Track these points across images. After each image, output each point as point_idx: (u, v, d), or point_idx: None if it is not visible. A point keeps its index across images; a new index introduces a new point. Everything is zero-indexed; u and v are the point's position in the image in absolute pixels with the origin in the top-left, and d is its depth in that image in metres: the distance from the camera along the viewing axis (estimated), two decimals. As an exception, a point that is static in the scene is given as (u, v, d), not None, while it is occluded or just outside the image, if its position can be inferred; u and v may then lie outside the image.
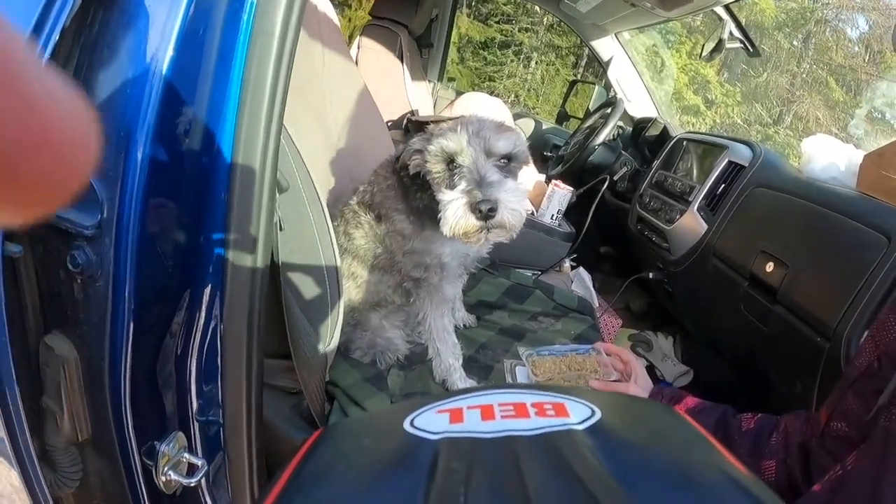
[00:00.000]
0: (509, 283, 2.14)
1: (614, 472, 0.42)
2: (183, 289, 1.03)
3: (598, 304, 2.66)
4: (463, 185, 1.21)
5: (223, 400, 1.09)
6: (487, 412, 0.52)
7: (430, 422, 0.52)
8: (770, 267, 1.73)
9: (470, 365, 1.65)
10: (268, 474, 1.20)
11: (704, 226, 2.18)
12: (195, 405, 1.11)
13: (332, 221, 1.56)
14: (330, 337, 1.40)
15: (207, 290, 1.04)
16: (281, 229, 1.19)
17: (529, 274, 2.35)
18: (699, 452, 0.50)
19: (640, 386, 1.52)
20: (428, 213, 1.34)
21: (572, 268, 2.69)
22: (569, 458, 0.44)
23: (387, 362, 1.59)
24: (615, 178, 2.90)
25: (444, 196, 1.22)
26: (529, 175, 2.70)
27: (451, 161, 1.24)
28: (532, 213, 2.53)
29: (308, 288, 1.34)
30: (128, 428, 1.01)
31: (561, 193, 2.55)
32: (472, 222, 1.20)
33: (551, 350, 1.67)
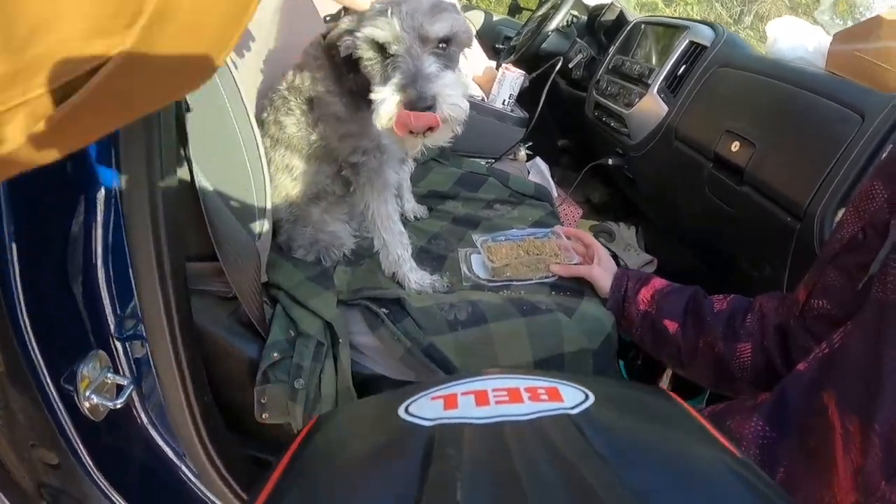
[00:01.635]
0: (461, 172, 2.03)
1: (608, 456, 0.42)
2: (74, 195, 0.93)
3: (556, 195, 2.59)
4: (397, 78, 1.08)
5: (141, 311, 1.00)
6: (481, 398, 0.52)
7: (425, 408, 0.52)
8: (736, 146, 1.68)
9: (421, 256, 1.56)
10: (213, 387, 1.17)
11: (665, 108, 2.12)
12: (112, 321, 1.03)
13: (262, 114, 1.47)
14: (259, 230, 1.30)
15: (101, 194, 0.94)
16: (188, 110, 1.06)
17: (483, 162, 2.25)
18: (693, 436, 0.50)
19: (604, 268, 1.45)
20: (363, 95, 1.21)
21: (528, 157, 2.60)
22: (562, 442, 0.44)
23: (332, 259, 1.49)
24: (570, 65, 2.80)
25: (376, 93, 1.10)
26: (479, 61, 2.56)
27: (383, 49, 1.11)
28: (483, 100, 2.42)
29: (229, 181, 1.23)
30: (35, 354, 0.93)
31: (512, 77, 2.44)
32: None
33: (508, 235, 1.58)
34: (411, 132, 1.08)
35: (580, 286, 1.47)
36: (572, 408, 0.49)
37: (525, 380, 0.55)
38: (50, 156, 0.37)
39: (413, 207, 1.79)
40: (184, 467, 1.19)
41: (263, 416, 1.25)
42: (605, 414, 0.49)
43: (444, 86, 1.07)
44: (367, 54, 1.12)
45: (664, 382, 1.95)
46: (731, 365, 1.16)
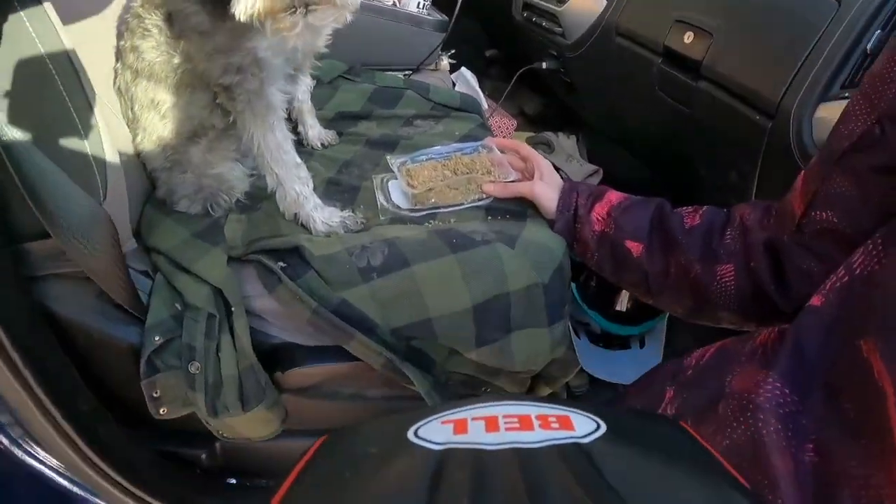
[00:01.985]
0: (374, 87, 1.79)
1: (618, 487, 0.41)
2: None
3: (486, 106, 2.40)
4: None
5: None
6: (492, 423, 0.51)
7: (434, 432, 0.51)
8: (689, 37, 1.49)
9: (330, 189, 1.34)
10: (103, 395, 1.08)
11: (603, 1, 1.92)
12: None
13: (120, 42, 1.22)
14: (103, 187, 1.04)
15: None
16: None
17: (400, 76, 2.01)
18: (706, 471, 0.48)
19: (548, 183, 1.24)
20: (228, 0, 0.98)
21: (452, 67, 2.39)
22: (572, 471, 0.43)
23: (222, 207, 1.26)
24: (493, -39, 2.56)
25: None
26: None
27: None
28: (394, 4, 2.16)
29: (49, 135, 0.98)
30: None
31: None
32: None
33: (430, 154, 1.35)
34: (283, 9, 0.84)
35: (521, 207, 1.26)
36: (583, 437, 0.48)
37: (537, 407, 0.54)
38: None
39: (318, 133, 1.56)
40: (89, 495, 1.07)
41: (161, 411, 1.09)
42: (617, 444, 0.48)
43: None
44: None
45: (622, 305, 1.81)
46: (711, 291, 1.00)
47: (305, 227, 1.20)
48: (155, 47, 1.15)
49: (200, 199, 1.25)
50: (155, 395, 1.06)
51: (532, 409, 0.53)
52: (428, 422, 0.53)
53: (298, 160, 1.22)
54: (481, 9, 2.71)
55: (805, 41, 1.20)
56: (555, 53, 2.27)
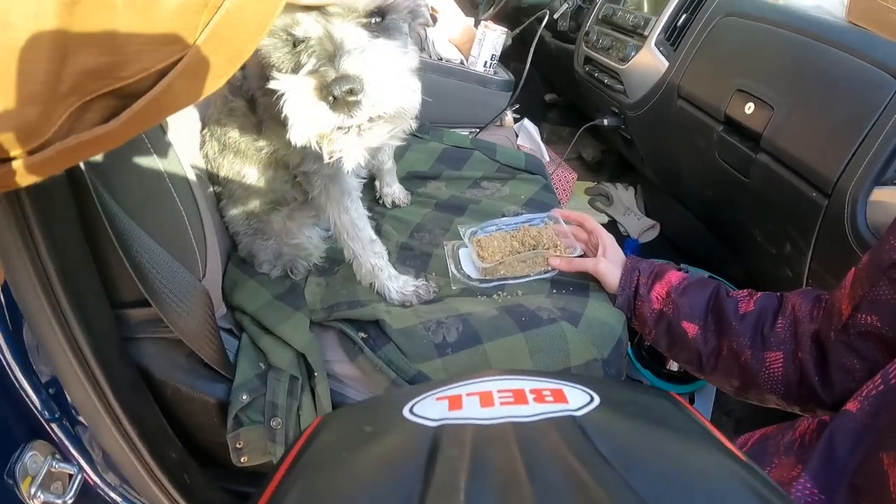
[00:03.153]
0: (443, 147, 1.83)
1: (611, 459, 0.42)
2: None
3: (547, 158, 2.43)
4: (311, 63, 0.82)
5: (63, 384, 0.90)
6: (486, 399, 0.52)
7: (430, 408, 0.52)
8: (750, 108, 1.49)
9: (404, 255, 1.40)
10: (186, 436, 1.13)
11: (665, 62, 1.93)
12: (37, 402, 0.89)
13: (208, 109, 1.28)
14: (202, 265, 1.11)
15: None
16: None
17: (466, 133, 2.05)
18: (698, 440, 0.48)
19: (611, 260, 1.29)
20: None
21: (515, 120, 2.42)
22: (566, 444, 0.44)
23: (300, 272, 1.33)
24: (555, 16, 2.60)
25: (279, 84, 0.83)
26: (455, 19, 2.35)
27: (294, 41, 0.85)
28: (462, 63, 2.21)
29: (158, 221, 1.04)
30: None
31: (493, 35, 2.21)
32: (327, 117, 0.81)
33: (499, 224, 1.40)
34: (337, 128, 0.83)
35: (584, 279, 1.31)
36: (577, 410, 0.49)
37: (530, 381, 0.55)
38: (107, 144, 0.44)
39: (394, 192, 1.61)
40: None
41: (242, 460, 1.13)
42: (610, 417, 0.49)
43: (373, 58, 0.80)
44: (277, 55, 0.88)
45: (673, 365, 1.84)
46: (759, 375, 1.03)
47: (380, 295, 1.25)
48: (239, 128, 1.20)
49: (280, 265, 1.31)
50: (238, 445, 1.11)
51: (526, 384, 0.54)
52: (423, 398, 0.54)
53: (374, 236, 1.26)
54: (543, 60, 2.73)
55: (864, 120, 1.21)
56: (615, 110, 2.28)
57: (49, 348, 0.85)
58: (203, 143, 1.30)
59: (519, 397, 0.51)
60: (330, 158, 0.90)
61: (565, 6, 2.59)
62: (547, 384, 0.54)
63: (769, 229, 1.59)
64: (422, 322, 1.14)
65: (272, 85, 0.83)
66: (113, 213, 0.90)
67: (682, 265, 1.94)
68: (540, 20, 2.48)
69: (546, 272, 1.31)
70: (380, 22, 0.86)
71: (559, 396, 0.51)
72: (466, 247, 1.35)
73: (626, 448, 0.44)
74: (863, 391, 0.76)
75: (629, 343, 1.76)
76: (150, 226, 0.98)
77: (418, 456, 0.44)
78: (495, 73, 2.24)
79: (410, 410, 0.52)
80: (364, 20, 0.83)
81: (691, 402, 1.88)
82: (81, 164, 0.87)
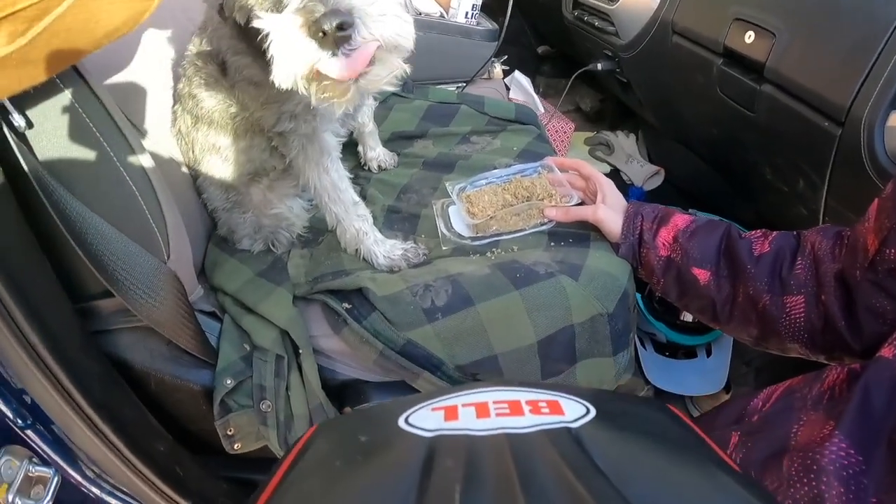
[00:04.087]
0: (428, 104, 1.77)
1: (607, 471, 0.41)
2: None
3: (542, 110, 2.37)
4: (295, 1, 0.78)
5: (26, 388, 0.89)
6: (482, 409, 0.51)
7: (425, 419, 0.51)
8: (750, 37, 1.43)
9: (391, 217, 1.35)
10: (176, 427, 1.12)
11: None
12: (8, 412, 0.88)
13: (178, 84, 1.24)
14: (166, 246, 1.05)
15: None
16: (30, 126, 0.85)
17: (453, 88, 2.00)
18: (695, 453, 0.48)
19: (611, 206, 1.21)
20: None
21: (505, 73, 2.36)
22: (561, 455, 0.42)
23: (283, 244, 1.29)
24: (539, -39, 2.52)
25: (263, 23, 0.79)
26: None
27: None
28: (441, 15, 2.16)
29: (107, 203, 0.98)
30: None
31: (474, -17, 2.14)
32: (318, 56, 0.77)
33: (489, 177, 1.33)
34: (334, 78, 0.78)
35: (585, 230, 1.24)
36: (573, 421, 0.48)
37: (526, 392, 0.54)
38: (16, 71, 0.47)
39: (378, 156, 1.56)
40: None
41: (235, 447, 1.11)
42: (606, 428, 0.48)
43: None
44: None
45: (687, 315, 1.76)
46: (779, 322, 0.97)
47: (367, 261, 1.20)
48: (212, 96, 1.16)
49: (261, 238, 1.27)
50: (229, 432, 1.08)
51: (522, 395, 0.53)
52: (419, 409, 0.53)
53: (356, 198, 1.22)
54: (531, 9, 2.69)
55: (875, 40, 1.14)
56: (609, 53, 2.22)
57: (4, 353, 0.83)
58: (175, 120, 1.26)
59: (514, 408, 0.51)
60: (319, 103, 0.87)
61: (549, -51, 2.53)
62: (543, 395, 0.53)
63: (779, 165, 1.53)
64: (409, 287, 1.09)
65: (256, 23, 0.80)
66: (63, 203, 0.87)
67: (689, 210, 1.88)
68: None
69: (542, 224, 1.25)
70: None
71: (555, 408, 0.51)
72: (456, 204, 1.29)
73: (621, 460, 0.44)
74: (893, 333, 0.70)
75: (639, 294, 1.70)
76: (103, 211, 0.93)
77: (413, 466, 0.43)
78: (478, 23, 2.19)
79: (406, 421, 0.51)
80: None
81: (708, 353, 1.84)
82: (22, 160, 0.84)
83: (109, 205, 0.97)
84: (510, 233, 1.24)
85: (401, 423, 0.50)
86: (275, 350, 1.07)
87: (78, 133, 0.96)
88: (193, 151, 1.24)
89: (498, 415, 0.50)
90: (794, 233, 1.03)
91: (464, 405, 0.52)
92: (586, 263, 1.12)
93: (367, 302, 1.08)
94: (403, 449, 0.46)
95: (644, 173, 2.45)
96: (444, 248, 1.23)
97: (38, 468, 0.89)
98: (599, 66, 2.25)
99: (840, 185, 1.27)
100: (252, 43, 0.99)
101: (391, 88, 0.87)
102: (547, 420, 0.48)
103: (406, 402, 0.55)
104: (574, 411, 0.50)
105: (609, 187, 1.24)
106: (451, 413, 0.51)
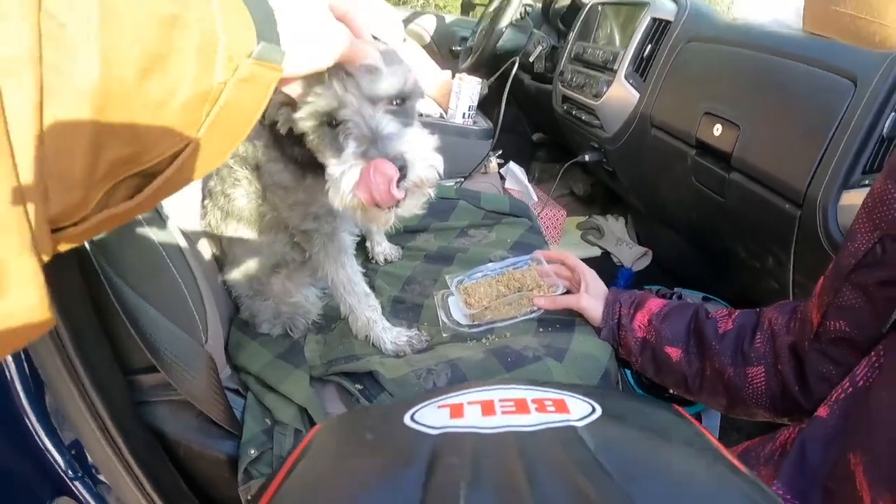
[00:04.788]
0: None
1: (611, 470, 0.42)
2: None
3: (535, 199, 2.50)
4: (352, 146, 0.90)
5: (85, 446, 0.96)
6: (488, 407, 0.52)
7: (431, 416, 0.52)
8: (718, 130, 1.57)
9: (396, 308, 1.47)
10: (199, 493, 1.17)
11: (636, 94, 2.02)
12: (61, 462, 0.97)
13: (209, 181, 1.36)
14: (204, 332, 1.18)
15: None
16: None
17: (451, 183, 2.13)
18: (698, 452, 0.49)
19: (593, 294, 1.34)
20: (308, 163, 1.10)
21: (500, 165, 2.48)
22: (567, 454, 0.44)
23: (299, 329, 1.39)
24: (531, 59, 2.71)
25: (331, 167, 0.92)
26: (431, 74, 2.43)
27: (330, 120, 0.93)
28: (441, 116, 2.30)
29: (158, 291, 1.11)
30: None
31: (469, 86, 2.29)
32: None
33: (484, 271, 1.46)
34: (378, 205, 0.90)
35: (570, 316, 1.36)
36: (578, 420, 0.49)
37: (532, 391, 0.55)
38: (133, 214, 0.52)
39: (385, 250, 1.68)
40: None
41: None
42: (611, 427, 0.49)
43: (409, 142, 0.90)
44: (312, 129, 0.96)
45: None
46: (744, 391, 1.07)
47: (376, 347, 1.31)
48: (244, 195, 1.28)
49: (280, 323, 1.38)
50: (249, 498, 1.15)
51: (528, 393, 0.54)
52: (424, 406, 0.54)
53: (367, 290, 1.33)
54: (525, 101, 2.83)
55: (825, 128, 1.25)
56: (595, 145, 2.34)
57: (70, 414, 0.92)
58: (205, 214, 1.38)
59: (521, 407, 0.52)
60: (363, 224, 1.00)
61: (539, 48, 2.70)
62: (549, 394, 0.54)
63: (750, 245, 1.64)
64: (413, 370, 1.19)
65: (330, 170, 0.91)
66: (118, 288, 0.98)
67: (675, 290, 1.99)
68: (512, 64, 2.57)
69: (532, 312, 1.36)
70: (402, 104, 0.95)
71: (561, 406, 0.52)
72: (454, 295, 1.40)
73: (626, 459, 0.44)
74: (832, 396, 0.80)
75: (629, 371, 1.80)
76: (152, 297, 1.04)
77: (418, 463, 0.44)
78: (474, 122, 2.31)
79: (411, 418, 0.52)
80: (391, 106, 0.93)
81: (699, 421, 1.90)
82: (86, 244, 0.94)
83: (160, 294, 1.09)
84: (503, 320, 1.34)
85: (406, 420, 0.52)
86: (294, 425, 1.15)
87: (133, 228, 1.09)
88: (221, 243, 1.37)
89: (504, 413, 0.51)
90: (756, 310, 1.13)
91: (470, 403, 0.53)
92: (570, 347, 1.23)
93: (377, 384, 1.18)
94: (409, 446, 0.48)
95: (633, 255, 2.55)
96: (444, 335, 1.33)
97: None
98: (587, 158, 2.37)
99: (803, 262, 1.37)
100: (285, 152, 1.13)
101: (420, 212, 0.99)
102: (553, 418, 0.49)
103: (412, 400, 0.57)
104: (580, 410, 0.51)
105: (592, 277, 1.37)
106: (456, 411, 0.52)
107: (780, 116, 1.41)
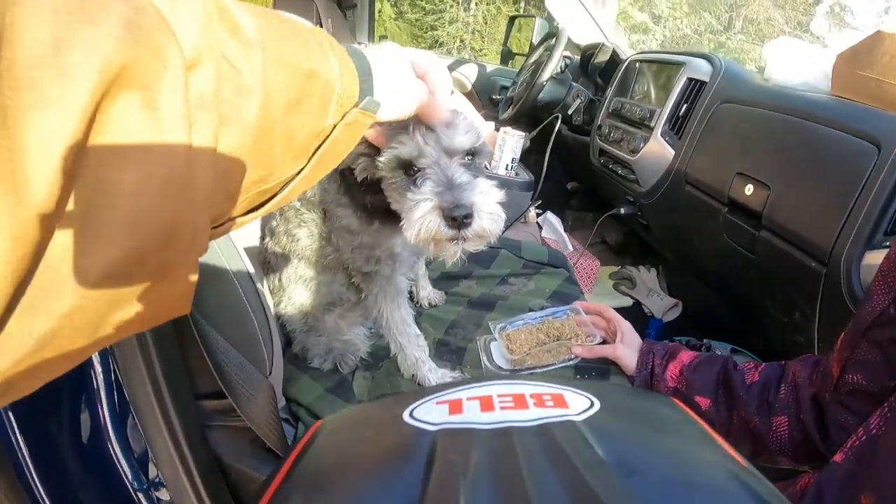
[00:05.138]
0: None
1: (612, 463, 0.42)
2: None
3: (571, 248, 2.56)
4: (430, 186, 0.99)
5: (155, 461, 1.02)
6: (486, 403, 0.52)
7: (430, 413, 0.52)
8: (749, 189, 1.62)
9: (441, 349, 1.53)
10: None
11: (671, 151, 2.07)
12: (129, 476, 1.05)
13: (271, 221, 1.44)
14: (269, 363, 1.26)
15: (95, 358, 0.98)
16: None
17: None
18: (698, 444, 0.49)
19: (628, 345, 1.40)
20: (377, 210, 1.19)
21: (538, 215, 2.55)
22: (566, 448, 0.44)
23: (349, 365, 1.46)
24: (569, 111, 2.77)
25: (410, 196, 1.01)
26: (480, 126, 2.50)
27: (408, 167, 1.03)
28: (485, 167, 2.34)
29: (231, 323, 1.20)
30: None
31: (513, 140, 2.35)
32: (444, 231, 0.98)
33: (525, 319, 1.54)
34: (448, 240, 1.00)
35: (605, 365, 1.42)
36: (577, 414, 0.49)
37: (530, 386, 0.55)
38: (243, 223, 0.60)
39: (429, 294, 1.76)
40: None
41: None
42: (611, 421, 0.49)
43: (481, 193, 0.99)
44: (391, 175, 1.05)
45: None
46: (768, 439, 1.12)
47: (421, 386, 1.37)
48: (309, 236, 1.37)
49: (331, 359, 1.45)
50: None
51: (526, 388, 0.54)
52: (423, 402, 0.54)
53: (417, 331, 1.40)
54: (562, 151, 2.87)
55: (850, 190, 1.30)
56: (630, 199, 2.40)
57: (148, 429, 0.99)
58: (265, 251, 1.47)
59: (519, 402, 0.52)
60: (434, 257, 1.08)
61: (578, 101, 2.77)
62: (547, 389, 0.54)
63: (778, 300, 1.68)
64: None
65: (410, 197, 1.00)
66: (195, 316, 1.06)
67: (704, 341, 2.04)
68: (555, 123, 2.64)
69: (570, 360, 1.42)
70: (472, 160, 1.05)
71: (559, 401, 0.52)
72: (497, 340, 1.47)
73: (626, 453, 0.44)
74: (847, 443, 0.85)
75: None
76: (225, 328, 1.13)
77: (417, 460, 0.45)
78: (516, 174, 2.38)
79: (410, 415, 0.52)
80: (463, 160, 1.02)
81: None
82: None
83: (233, 326, 1.17)
84: (542, 367, 1.41)
85: (406, 416, 0.52)
86: (343, 456, 1.22)
87: (212, 261, 1.17)
88: (280, 280, 1.44)
89: (503, 408, 0.51)
90: (781, 363, 1.18)
91: (468, 399, 0.53)
92: None
93: None
94: (408, 442, 0.48)
95: (664, 306, 2.59)
96: (486, 378, 1.39)
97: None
98: (623, 211, 2.42)
99: (828, 317, 1.41)
100: (355, 198, 1.22)
101: (480, 248, 1.06)
102: (551, 413, 0.49)
103: (411, 396, 0.56)
104: (579, 404, 0.51)
105: (627, 328, 1.43)
106: (455, 406, 0.52)
107: (808, 178, 1.46)
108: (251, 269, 1.31)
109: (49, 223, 0.35)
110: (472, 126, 1.02)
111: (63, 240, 0.37)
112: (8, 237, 0.33)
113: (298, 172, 0.62)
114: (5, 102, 0.33)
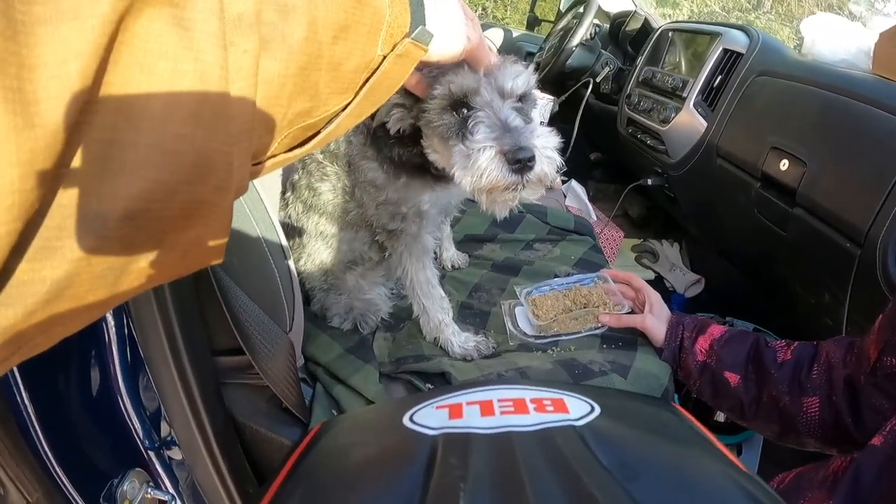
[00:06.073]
0: None
1: (611, 469, 0.42)
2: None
3: (595, 217, 2.52)
4: (484, 131, 0.95)
5: (169, 419, 1.01)
6: (487, 408, 0.52)
7: (430, 417, 0.52)
8: (785, 165, 1.58)
9: (464, 312, 1.50)
10: (259, 477, 1.19)
11: (704, 123, 2.03)
12: (140, 434, 1.04)
13: (293, 175, 1.40)
14: (290, 320, 1.23)
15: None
16: None
17: None
18: (697, 449, 0.50)
19: (657, 316, 1.37)
20: (405, 164, 1.15)
21: (563, 182, 2.52)
22: (567, 453, 0.44)
23: (369, 326, 1.43)
24: (598, 79, 2.73)
25: (464, 144, 0.97)
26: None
27: (459, 106, 0.98)
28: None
29: (253, 277, 1.16)
30: (62, 481, 0.90)
31: (541, 104, 2.32)
32: (507, 176, 0.94)
33: (552, 285, 1.50)
34: (506, 188, 0.95)
35: (633, 335, 1.39)
36: (577, 419, 0.50)
37: (531, 391, 0.55)
38: (285, 162, 0.57)
39: (452, 256, 1.72)
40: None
41: None
42: (610, 426, 0.49)
43: (539, 136, 0.95)
44: (437, 116, 1.00)
45: (720, 416, 1.89)
46: (798, 420, 1.10)
47: (443, 349, 1.35)
48: (331, 190, 1.33)
49: (351, 318, 1.42)
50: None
51: (527, 393, 0.54)
52: (423, 407, 0.54)
53: (442, 293, 1.36)
54: (587, 120, 2.82)
55: (891, 170, 1.27)
56: (658, 170, 2.36)
57: (163, 386, 0.96)
58: (285, 206, 1.43)
59: (519, 407, 0.52)
60: (486, 208, 1.03)
61: (607, 69, 2.72)
62: (547, 394, 0.55)
63: (807, 280, 1.65)
64: (483, 374, 1.23)
65: (477, 138, 0.95)
66: (216, 270, 1.03)
67: (727, 318, 2.01)
68: (586, 85, 2.60)
69: (596, 328, 1.39)
70: (522, 106, 1.01)
71: (559, 406, 0.52)
72: (522, 305, 1.44)
73: (626, 457, 0.45)
74: (887, 426, 0.83)
75: (676, 395, 1.83)
76: (246, 282, 1.10)
77: (417, 463, 0.45)
78: None
79: (410, 419, 0.52)
80: (516, 104, 0.98)
81: (738, 453, 1.93)
82: None
83: (255, 281, 1.14)
84: (568, 334, 1.38)
85: (405, 421, 0.52)
86: (361, 417, 1.20)
87: (237, 216, 1.13)
88: (300, 236, 1.41)
89: (503, 413, 0.51)
90: (814, 342, 1.16)
91: (468, 403, 0.53)
92: (634, 364, 1.26)
93: (447, 384, 1.21)
94: (408, 446, 0.48)
95: (686, 281, 2.56)
96: (511, 343, 1.36)
97: (154, 492, 1.01)
98: (650, 182, 2.38)
99: (859, 300, 1.38)
100: (381, 151, 1.17)
101: (535, 196, 1.03)
102: (552, 418, 0.50)
103: (411, 400, 0.57)
104: (579, 409, 0.51)
105: (656, 299, 1.40)
106: (455, 411, 0.52)
107: (846, 156, 1.42)
108: (275, 219, 1.27)
109: (63, 152, 0.32)
110: (524, 70, 0.98)
111: (79, 172, 0.33)
112: (15, 163, 0.29)
113: (345, 108, 0.57)
114: (15, 16, 0.29)
